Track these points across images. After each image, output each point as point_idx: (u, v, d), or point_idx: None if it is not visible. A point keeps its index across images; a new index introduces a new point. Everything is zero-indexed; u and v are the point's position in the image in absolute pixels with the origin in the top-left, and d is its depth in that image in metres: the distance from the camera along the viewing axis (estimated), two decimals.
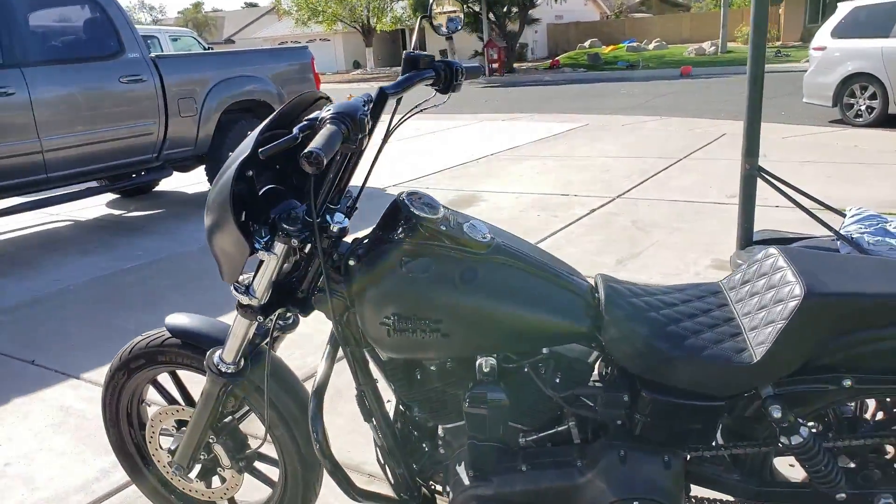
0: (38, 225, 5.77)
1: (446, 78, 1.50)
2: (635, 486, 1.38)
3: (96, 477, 2.16)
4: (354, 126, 1.18)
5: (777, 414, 1.35)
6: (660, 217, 4.73)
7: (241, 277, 1.44)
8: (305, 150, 1.09)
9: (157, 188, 6.94)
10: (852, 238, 2.94)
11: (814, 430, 1.43)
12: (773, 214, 4.24)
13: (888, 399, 1.50)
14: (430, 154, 8.10)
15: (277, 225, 1.35)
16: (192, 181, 6.82)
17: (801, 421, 1.39)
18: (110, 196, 6.71)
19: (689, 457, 1.45)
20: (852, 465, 1.54)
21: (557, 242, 4.29)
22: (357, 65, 34.78)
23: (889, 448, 1.50)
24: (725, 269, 3.53)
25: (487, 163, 7.30)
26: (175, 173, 5.88)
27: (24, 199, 4.74)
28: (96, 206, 6.36)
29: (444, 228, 1.36)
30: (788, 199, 3.31)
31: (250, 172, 1.36)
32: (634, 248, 4.06)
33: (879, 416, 1.56)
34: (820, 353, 1.35)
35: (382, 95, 1.36)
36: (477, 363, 1.42)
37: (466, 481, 1.45)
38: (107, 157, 4.96)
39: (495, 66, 24.44)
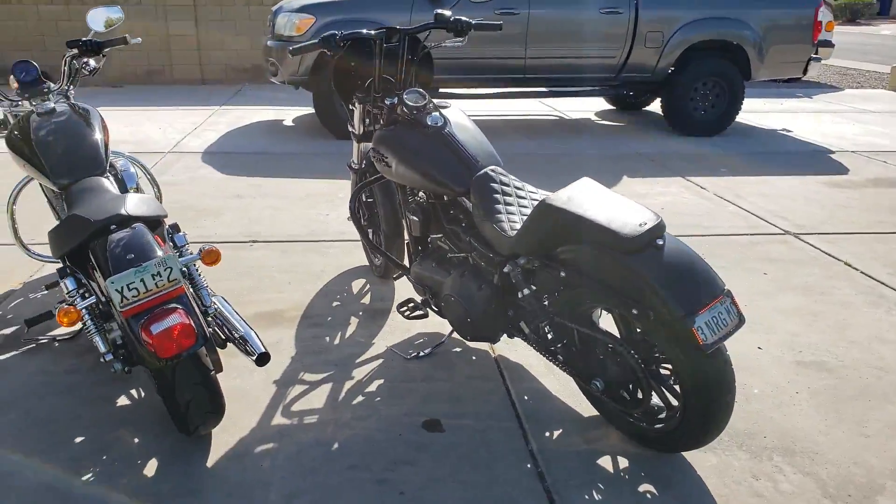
0: (531, 115, 7.91)
1: (459, 28, 2.51)
2: (459, 292, 2.33)
3: None
4: (325, 42, 2.42)
5: (506, 270, 2.10)
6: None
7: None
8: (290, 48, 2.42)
9: (647, 108, 8.27)
10: None
11: (536, 293, 2.08)
12: None
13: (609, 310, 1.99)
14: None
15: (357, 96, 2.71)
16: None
17: (532, 286, 2.09)
18: (603, 105, 8.40)
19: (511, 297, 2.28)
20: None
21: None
22: None
23: (616, 347, 2.00)
24: None
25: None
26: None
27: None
28: (581, 111, 8.14)
29: (415, 112, 2.48)
30: None
31: (353, 63, 2.71)
32: None
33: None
34: (552, 247, 2.01)
35: (394, 30, 2.51)
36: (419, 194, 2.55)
37: (415, 260, 2.63)
38: (572, 69, 6.56)
39: None
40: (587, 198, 1.97)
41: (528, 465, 2.05)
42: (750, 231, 4.12)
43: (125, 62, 9.42)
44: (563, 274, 2.00)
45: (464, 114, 2.57)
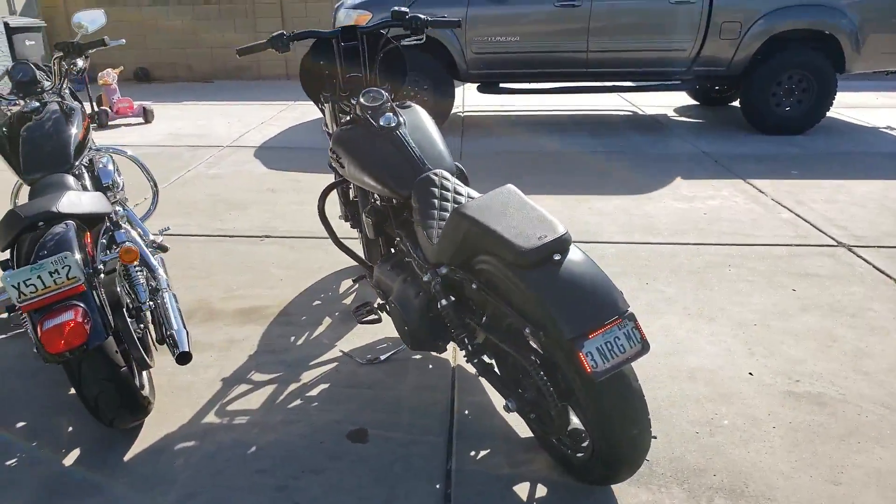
0: (602, 110, 7.61)
1: (415, 26, 2.43)
2: (398, 299, 2.27)
3: None
4: (273, 42, 2.40)
5: (426, 279, 2.01)
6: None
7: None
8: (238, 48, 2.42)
9: (733, 103, 7.76)
10: None
11: (454, 303, 1.97)
12: None
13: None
14: None
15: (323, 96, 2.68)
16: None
17: (451, 296, 1.99)
18: (686, 101, 7.94)
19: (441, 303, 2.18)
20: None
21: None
22: None
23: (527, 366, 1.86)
24: None
25: None
26: None
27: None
28: (659, 107, 7.74)
29: (369, 112, 2.41)
30: None
31: (321, 62, 2.69)
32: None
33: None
34: (467, 258, 1.91)
35: (352, 29, 2.45)
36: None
37: (377, 262, 2.59)
38: (638, 63, 6.24)
39: None
40: (500, 207, 1.85)
41: (438, 486, 1.96)
42: (795, 241, 3.76)
43: (216, 59, 9.93)
44: (473, 286, 1.89)
45: (424, 114, 2.49)
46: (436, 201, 2.17)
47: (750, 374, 2.50)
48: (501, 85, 6.54)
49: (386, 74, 2.67)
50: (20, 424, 2.22)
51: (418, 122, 2.43)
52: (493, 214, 1.82)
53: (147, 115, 6.95)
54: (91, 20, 2.90)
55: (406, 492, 1.93)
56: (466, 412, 2.29)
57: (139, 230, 2.86)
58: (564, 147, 5.93)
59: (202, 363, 2.56)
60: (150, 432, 2.18)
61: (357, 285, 3.22)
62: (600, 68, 6.28)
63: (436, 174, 2.24)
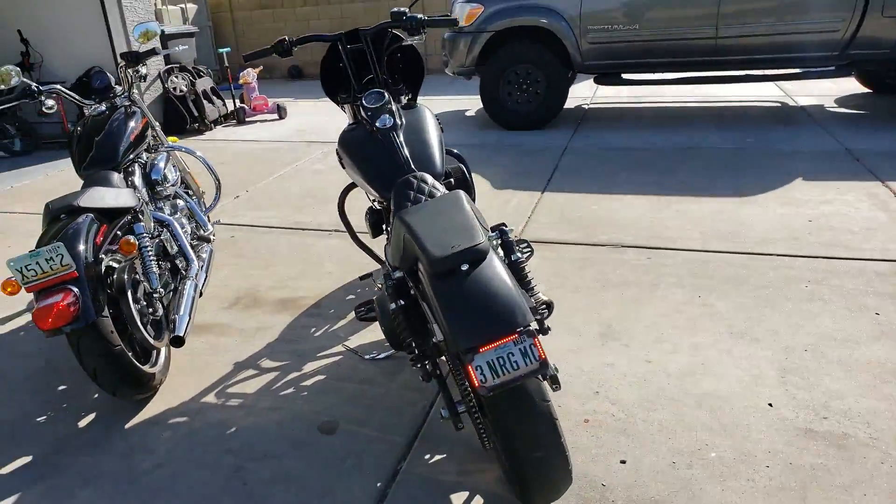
0: (743, 101, 7.05)
1: (411, 26, 2.48)
2: (378, 300, 2.35)
3: None
4: (275, 48, 2.54)
5: (379, 284, 2.08)
6: None
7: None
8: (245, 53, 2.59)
9: None
10: None
11: (403, 307, 2.01)
12: None
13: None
14: None
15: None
16: None
17: (400, 301, 2.03)
18: (856, 88, 7.15)
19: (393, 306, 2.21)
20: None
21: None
22: None
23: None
24: None
25: None
26: None
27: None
28: (817, 96, 7.03)
29: (369, 114, 2.50)
30: None
31: (341, 64, 2.81)
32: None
33: None
34: (412, 262, 1.96)
35: (355, 33, 2.55)
36: None
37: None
38: (777, 49, 5.74)
39: None
40: (435, 214, 1.88)
41: (379, 485, 2.04)
42: None
43: None
44: (412, 293, 1.95)
45: (427, 115, 2.55)
46: (409, 204, 2.23)
47: (769, 405, 2.30)
48: (624, 76, 6.33)
49: (402, 74, 2.77)
50: (62, 387, 2.62)
51: (417, 123, 2.50)
52: (426, 221, 1.86)
53: (280, 112, 7.57)
54: (154, 28, 3.27)
55: (346, 486, 2.04)
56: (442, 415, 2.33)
57: (198, 221, 3.22)
58: (680, 143, 5.62)
59: (224, 347, 2.84)
60: (155, 405, 2.48)
61: None
62: (732, 55, 5.85)
63: (415, 177, 2.29)
